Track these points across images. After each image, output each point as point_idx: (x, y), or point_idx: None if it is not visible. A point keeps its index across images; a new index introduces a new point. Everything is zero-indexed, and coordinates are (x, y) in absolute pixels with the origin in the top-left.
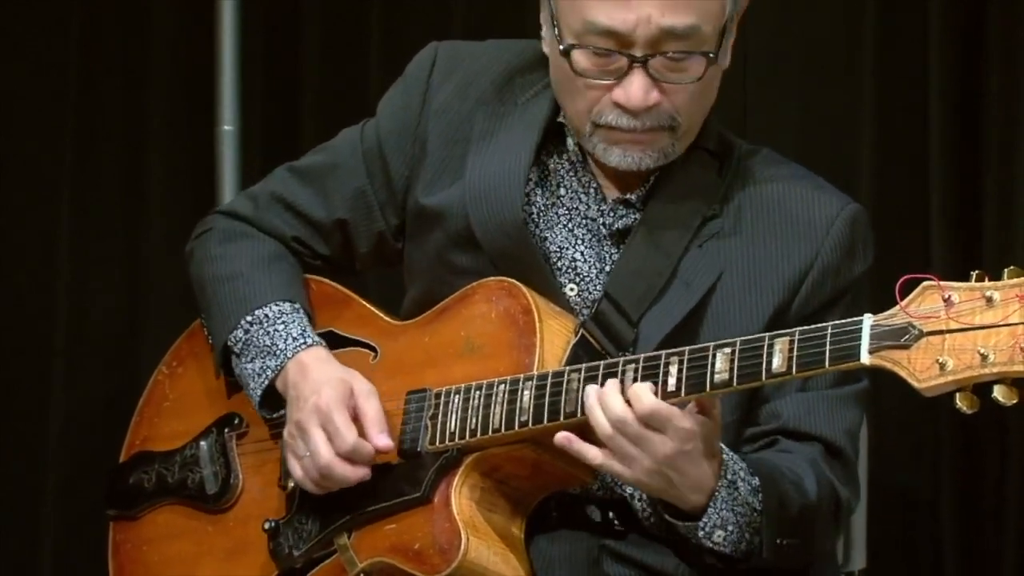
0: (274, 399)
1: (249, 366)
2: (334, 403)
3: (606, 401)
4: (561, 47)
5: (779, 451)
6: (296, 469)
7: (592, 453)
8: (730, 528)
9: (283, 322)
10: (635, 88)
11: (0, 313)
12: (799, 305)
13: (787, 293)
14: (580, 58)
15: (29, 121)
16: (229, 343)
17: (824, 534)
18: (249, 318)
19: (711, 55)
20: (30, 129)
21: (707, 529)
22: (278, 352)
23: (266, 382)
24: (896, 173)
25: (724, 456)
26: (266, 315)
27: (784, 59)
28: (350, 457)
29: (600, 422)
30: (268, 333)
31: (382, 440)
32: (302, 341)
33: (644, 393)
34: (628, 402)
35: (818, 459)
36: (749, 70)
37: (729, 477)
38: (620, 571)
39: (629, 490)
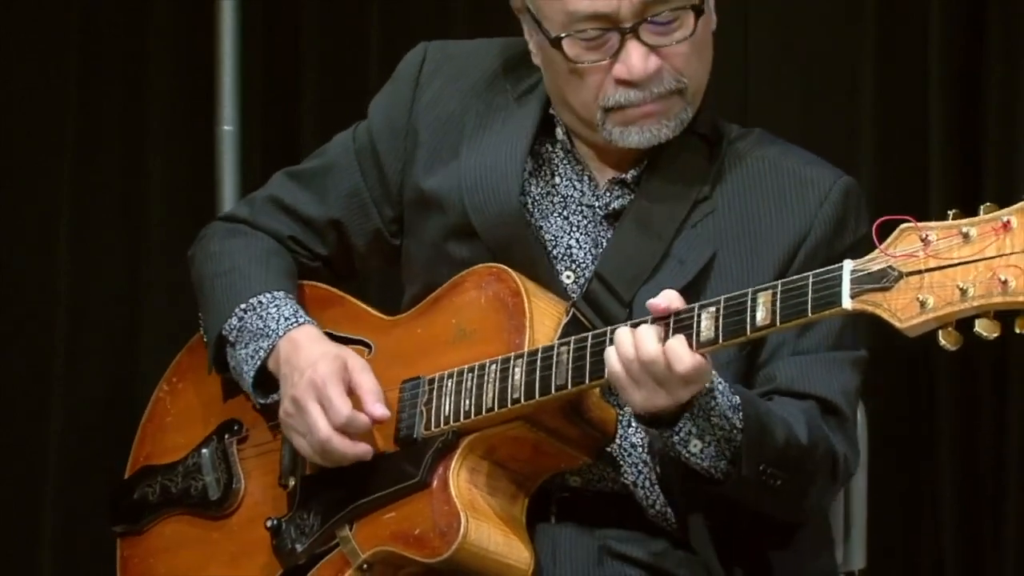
0: (267, 383)
1: (243, 352)
2: (329, 376)
3: (639, 336)
4: (551, 38)
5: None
6: (303, 445)
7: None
8: (707, 439)
9: (276, 306)
10: (634, 58)
11: (0, 313)
12: (792, 275)
13: (781, 266)
14: (571, 46)
15: (29, 121)
16: (224, 332)
17: (821, 486)
18: (243, 306)
19: (698, 4)
20: (30, 129)
21: (682, 435)
22: (270, 333)
23: (259, 363)
24: (896, 172)
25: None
26: (260, 302)
27: (784, 57)
28: (346, 430)
29: (625, 350)
30: (261, 317)
31: (378, 409)
32: (293, 320)
33: (684, 352)
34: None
35: (813, 413)
36: (749, 69)
37: (707, 386)
38: (621, 568)
39: (631, 479)
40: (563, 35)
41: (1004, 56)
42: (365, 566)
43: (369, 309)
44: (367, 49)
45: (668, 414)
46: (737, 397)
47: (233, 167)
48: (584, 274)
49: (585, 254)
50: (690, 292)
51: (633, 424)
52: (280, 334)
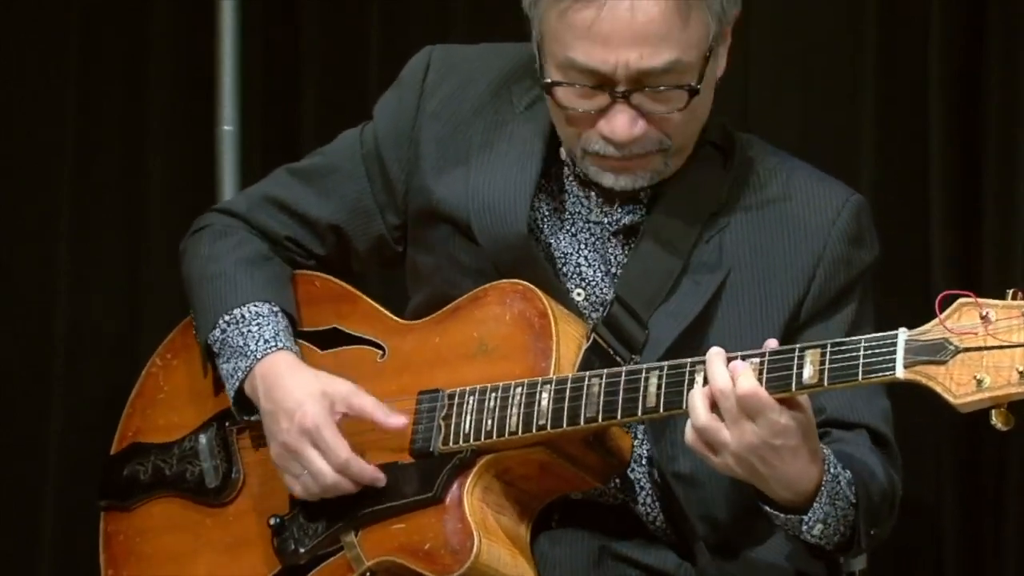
0: (247, 402)
1: (225, 366)
2: (320, 419)
3: (713, 372)
4: (544, 82)
5: (834, 442)
6: (295, 486)
7: (687, 432)
8: (829, 522)
9: (257, 324)
10: (619, 123)
11: (0, 313)
12: (814, 297)
13: (800, 288)
14: (562, 93)
15: (29, 121)
16: (208, 342)
17: (890, 520)
18: (227, 317)
19: (693, 86)
20: (30, 129)
21: (810, 524)
22: (248, 353)
23: (237, 383)
24: (896, 173)
25: (824, 452)
26: (242, 315)
27: (784, 59)
28: (344, 471)
29: (697, 406)
30: (242, 334)
31: (396, 420)
32: (273, 344)
33: (747, 374)
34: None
35: (874, 448)
36: (749, 70)
37: (832, 472)
38: (621, 572)
39: (632, 495)
40: (556, 82)
41: (1004, 57)
42: (369, 574)
43: (383, 310)
44: (367, 49)
45: (780, 499)
46: (849, 472)
47: (233, 167)
48: (595, 292)
49: (595, 272)
50: (706, 313)
51: (638, 437)
52: (258, 357)
